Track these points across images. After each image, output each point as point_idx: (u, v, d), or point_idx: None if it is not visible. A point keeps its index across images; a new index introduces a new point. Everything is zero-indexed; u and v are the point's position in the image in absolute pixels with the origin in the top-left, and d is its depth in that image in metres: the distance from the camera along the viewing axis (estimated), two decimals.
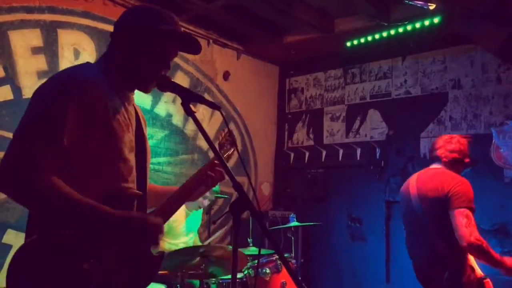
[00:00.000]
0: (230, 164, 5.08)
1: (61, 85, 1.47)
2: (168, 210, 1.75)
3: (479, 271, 2.88)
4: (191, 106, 1.55)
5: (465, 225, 2.74)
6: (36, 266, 1.39)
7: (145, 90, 1.67)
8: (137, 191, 1.62)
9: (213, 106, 1.57)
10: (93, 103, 1.46)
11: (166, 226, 3.69)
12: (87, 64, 1.66)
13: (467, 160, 3.08)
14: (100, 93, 1.49)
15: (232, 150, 1.96)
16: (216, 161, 1.84)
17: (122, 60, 1.62)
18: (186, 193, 1.82)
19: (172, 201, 1.77)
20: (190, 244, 3.88)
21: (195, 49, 1.71)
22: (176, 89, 1.59)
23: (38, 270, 1.39)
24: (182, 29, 1.70)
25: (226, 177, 1.67)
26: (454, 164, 3.05)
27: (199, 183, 1.84)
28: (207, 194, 3.83)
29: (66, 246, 1.41)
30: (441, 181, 2.90)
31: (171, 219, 3.73)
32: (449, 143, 3.06)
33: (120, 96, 1.60)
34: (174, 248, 3.69)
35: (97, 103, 1.47)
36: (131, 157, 1.59)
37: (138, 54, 1.60)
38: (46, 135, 1.38)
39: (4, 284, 1.43)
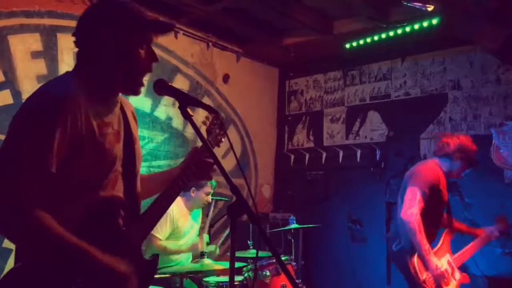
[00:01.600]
0: (229, 167, 5.09)
1: (41, 106, 1.36)
2: (151, 220, 1.70)
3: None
4: (189, 109, 1.54)
5: (408, 200, 3.04)
6: None
7: (135, 92, 1.56)
8: (121, 200, 1.57)
9: (211, 110, 1.56)
10: (76, 121, 1.38)
11: (170, 226, 3.69)
12: (64, 76, 1.53)
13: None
14: (81, 107, 1.40)
15: (222, 133, 1.90)
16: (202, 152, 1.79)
17: (101, 65, 1.50)
18: (169, 194, 1.74)
19: (154, 210, 1.70)
20: (190, 243, 3.86)
21: (167, 28, 1.59)
22: (173, 92, 1.58)
23: None
24: (149, 15, 1.56)
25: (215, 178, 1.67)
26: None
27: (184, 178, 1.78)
28: (210, 190, 3.82)
29: (51, 271, 1.39)
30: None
31: (175, 219, 3.72)
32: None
33: (104, 104, 1.52)
34: (178, 248, 3.69)
35: (80, 118, 1.39)
36: (119, 166, 1.56)
37: (119, 53, 1.50)
38: (33, 162, 1.31)
39: None
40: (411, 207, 3.03)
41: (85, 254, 1.39)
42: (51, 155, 1.32)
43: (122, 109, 1.64)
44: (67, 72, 1.55)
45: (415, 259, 3.08)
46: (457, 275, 3.27)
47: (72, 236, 1.38)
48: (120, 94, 1.61)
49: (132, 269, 1.52)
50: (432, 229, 3.26)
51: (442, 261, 3.22)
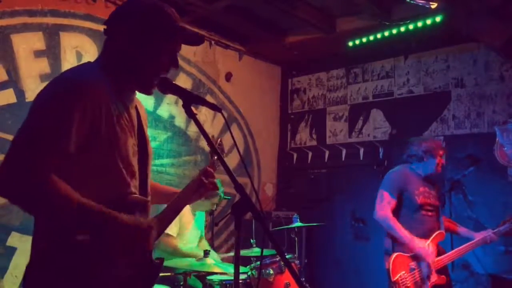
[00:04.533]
0: (232, 165, 5.09)
1: (64, 89, 1.40)
2: (166, 220, 1.71)
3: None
4: (192, 108, 1.54)
5: (377, 203, 3.49)
6: (52, 277, 1.40)
7: (148, 92, 1.60)
8: (142, 197, 1.59)
9: (214, 108, 1.57)
10: (97, 106, 1.41)
11: (177, 226, 3.66)
12: (87, 64, 1.58)
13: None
14: (103, 95, 1.44)
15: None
16: (209, 168, 1.82)
17: (126, 60, 1.54)
18: (182, 202, 1.78)
19: (169, 211, 1.73)
20: (195, 246, 3.86)
21: (198, 41, 1.66)
22: (177, 91, 1.58)
23: (55, 280, 1.40)
24: (182, 24, 1.63)
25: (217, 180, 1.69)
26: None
27: (193, 191, 1.80)
28: (217, 201, 3.83)
29: (78, 253, 1.40)
30: None
31: (182, 219, 3.70)
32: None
33: (122, 98, 1.54)
34: (190, 249, 3.68)
35: (101, 106, 1.42)
36: (135, 162, 1.56)
37: (146, 54, 1.53)
38: (52, 140, 1.34)
39: (9, 287, 1.44)
40: (380, 210, 3.42)
41: (107, 214, 1.39)
42: (70, 135, 1.35)
43: (136, 109, 1.66)
44: (89, 62, 1.59)
45: (392, 259, 3.24)
46: (433, 277, 3.29)
47: (91, 202, 1.38)
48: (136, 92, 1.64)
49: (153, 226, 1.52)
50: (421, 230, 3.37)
51: (422, 264, 3.27)
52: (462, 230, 3.64)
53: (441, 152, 3.54)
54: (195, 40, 1.65)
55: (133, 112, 1.61)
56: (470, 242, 3.46)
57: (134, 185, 1.56)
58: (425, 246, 3.26)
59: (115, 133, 1.46)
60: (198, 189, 1.78)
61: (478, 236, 3.47)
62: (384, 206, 3.39)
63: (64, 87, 1.42)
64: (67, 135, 1.35)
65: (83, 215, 1.36)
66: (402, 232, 3.25)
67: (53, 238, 1.42)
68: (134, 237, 1.44)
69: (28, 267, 1.44)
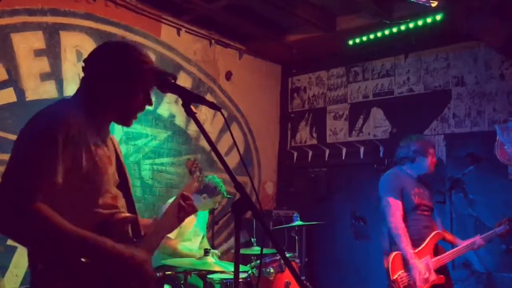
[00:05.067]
0: (232, 164, 5.09)
1: (47, 123, 1.46)
2: (154, 243, 1.74)
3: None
4: (192, 107, 1.55)
5: (387, 213, 3.37)
6: None
7: (127, 125, 1.69)
8: (130, 214, 1.64)
9: (214, 107, 1.57)
10: (77, 137, 1.47)
11: (176, 229, 3.67)
12: (65, 101, 1.64)
13: None
14: (82, 128, 1.49)
15: (201, 175, 2.06)
16: (185, 193, 1.88)
17: (101, 100, 1.62)
18: (166, 226, 1.82)
19: (154, 234, 1.76)
20: (196, 247, 3.86)
21: (168, 82, 1.69)
22: (176, 90, 1.59)
23: None
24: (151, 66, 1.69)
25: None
26: None
27: (173, 216, 1.84)
28: (220, 199, 3.85)
29: (74, 274, 1.43)
30: None
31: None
32: None
33: (99, 132, 1.61)
34: (186, 249, 3.68)
35: (80, 137, 1.48)
36: (115, 190, 1.61)
37: (117, 95, 1.62)
38: (39, 171, 1.38)
39: (10, 286, 1.45)
40: (395, 218, 3.31)
41: (99, 243, 1.43)
42: (54, 165, 1.40)
43: (112, 141, 1.74)
44: (67, 99, 1.66)
45: (391, 258, 3.22)
46: (432, 276, 3.29)
47: (82, 230, 1.41)
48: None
49: (148, 257, 1.58)
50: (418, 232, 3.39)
51: (420, 263, 3.27)
52: (449, 237, 3.62)
53: (431, 151, 3.52)
54: (165, 83, 1.68)
55: (109, 143, 1.68)
56: (454, 249, 3.47)
57: (121, 205, 1.62)
58: (421, 268, 3.22)
59: (94, 162, 1.51)
60: (178, 214, 1.84)
61: (463, 243, 3.47)
62: (395, 215, 3.30)
63: (44, 121, 1.47)
64: (55, 166, 1.40)
65: (74, 244, 1.40)
66: (407, 250, 3.21)
67: (49, 260, 1.45)
68: (129, 268, 1.49)
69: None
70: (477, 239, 3.44)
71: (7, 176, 1.37)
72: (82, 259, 1.42)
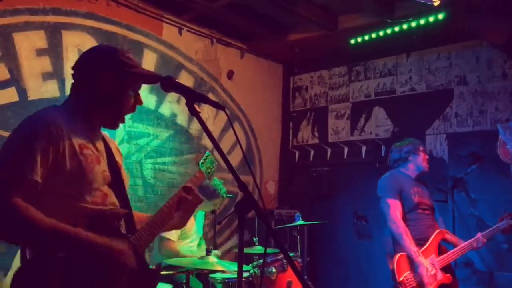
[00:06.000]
0: (234, 164, 5.09)
1: (30, 126, 1.55)
2: (144, 237, 1.74)
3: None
4: (196, 106, 1.55)
5: (387, 214, 3.45)
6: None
7: (113, 128, 1.75)
8: (122, 209, 1.68)
9: (217, 106, 1.57)
10: (59, 139, 1.53)
11: (177, 231, 3.65)
12: (54, 106, 1.72)
13: None
14: (65, 131, 1.56)
15: (211, 166, 2.13)
16: (188, 185, 1.89)
17: (89, 104, 1.68)
18: (163, 220, 1.82)
19: (150, 227, 1.78)
20: (195, 248, 3.85)
21: (155, 81, 1.73)
22: (180, 89, 1.59)
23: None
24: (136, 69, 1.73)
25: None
26: None
27: (174, 209, 1.85)
28: (219, 201, 3.83)
29: (62, 265, 1.46)
30: None
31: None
32: None
33: (87, 134, 1.66)
34: (188, 251, 3.67)
35: (63, 139, 1.54)
36: (105, 188, 1.65)
37: (104, 98, 1.67)
38: (16, 169, 1.44)
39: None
40: (394, 219, 3.35)
41: (77, 235, 1.47)
42: (33, 164, 1.46)
43: (105, 143, 1.79)
44: (57, 105, 1.74)
45: (396, 259, 3.24)
46: (439, 275, 3.29)
47: (58, 223, 1.45)
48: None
49: (129, 248, 1.61)
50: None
51: (426, 260, 3.28)
52: (450, 237, 3.62)
53: (421, 148, 3.64)
54: (152, 81, 1.72)
55: (99, 145, 1.72)
56: (457, 248, 3.46)
57: (111, 202, 1.66)
58: (427, 265, 3.23)
59: (78, 160, 1.57)
60: (178, 205, 1.86)
61: (465, 242, 3.46)
62: (394, 215, 3.35)
63: (28, 123, 1.57)
64: (30, 164, 1.45)
65: (53, 236, 1.44)
66: (411, 249, 3.24)
67: (34, 253, 1.51)
68: (108, 257, 1.52)
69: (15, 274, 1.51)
70: (479, 236, 3.44)
71: None
72: (59, 253, 1.45)
